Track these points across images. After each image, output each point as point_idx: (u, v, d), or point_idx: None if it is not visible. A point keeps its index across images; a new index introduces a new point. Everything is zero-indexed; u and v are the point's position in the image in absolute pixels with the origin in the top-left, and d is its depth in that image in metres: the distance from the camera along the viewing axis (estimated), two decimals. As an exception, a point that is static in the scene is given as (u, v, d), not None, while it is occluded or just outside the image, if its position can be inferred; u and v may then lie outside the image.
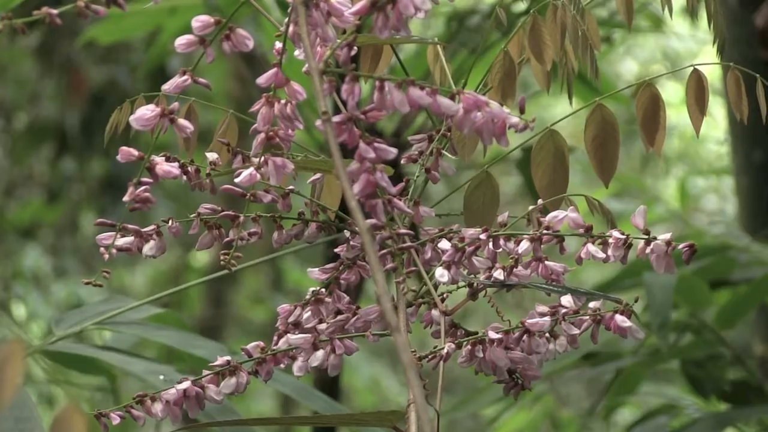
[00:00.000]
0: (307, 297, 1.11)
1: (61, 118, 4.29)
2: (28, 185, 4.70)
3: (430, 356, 1.06)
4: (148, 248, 1.08)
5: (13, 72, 4.40)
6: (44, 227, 4.73)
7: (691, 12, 1.98)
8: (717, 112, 3.03)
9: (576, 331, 1.08)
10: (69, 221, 4.69)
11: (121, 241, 1.07)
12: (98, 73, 4.14)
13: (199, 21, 1.04)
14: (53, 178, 4.49)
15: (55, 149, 4.36)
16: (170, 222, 1.08)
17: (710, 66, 1.18)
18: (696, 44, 4.07)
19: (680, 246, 1.06)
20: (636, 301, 1.10)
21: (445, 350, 1.05)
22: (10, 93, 4.42)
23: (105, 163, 4.34)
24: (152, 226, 1.08)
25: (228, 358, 1.09)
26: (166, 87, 1.04)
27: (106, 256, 1.06)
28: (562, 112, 1.28)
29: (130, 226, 1.07)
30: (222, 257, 1.08)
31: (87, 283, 1.08)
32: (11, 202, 4.67)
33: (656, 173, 4.78)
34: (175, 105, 1.05)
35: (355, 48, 1.06)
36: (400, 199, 1.07)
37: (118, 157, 1.05)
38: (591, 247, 1.07)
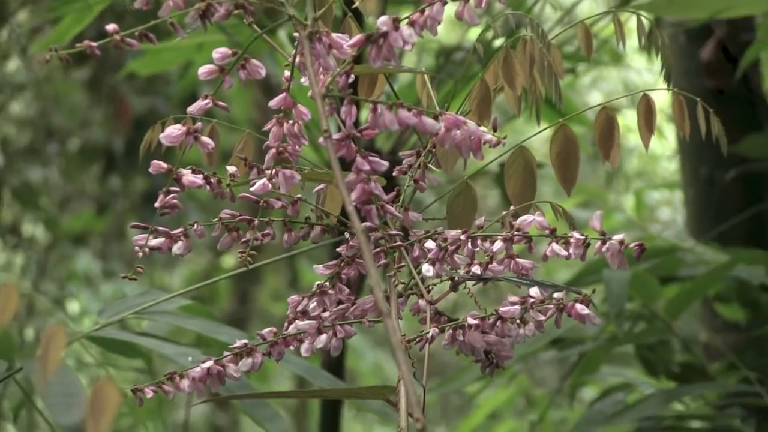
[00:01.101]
0: (313, 289, 1.11)
1: (108, 142, 4.29)
2: (79, 199, 4.70)
3: (417, 339, 1.05)
4: (177, 248, 1.08)
5: (67, 102, 4.39)
6: (94, 235, 4.73)
7: (645, 48, 1.98)
8: (670, 135, 3.04)
9: (542, 318, 1.07)
10: (115, 230, 4.70)
11: (154, 242, 1.07)
12: (140, 103, 4.15)
13: (218, 53, 1.04)
14: (101, 193, 4.49)
15: (103, 168, 4.36)
16: (195, 225, 1.08)
17: (663, 94, 1.18)
18: (653, 76, 4.07)
19: (632, 245, 1.05)
20: (593, 292, 1.10)
21: (430, 334, 1.05)
22: (63, 120, 4.41)
23: (146, 180, 4.34)
24: (180, 229, 1.08)
25: (245, 341, 1.09)
26: (191, 109, 1.04)
27: (140, 254, 1.06)
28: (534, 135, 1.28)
29: (161, 228, 1.07)
30: (239, 255, 1.08)
31: (124, 277, 1.08)
32: (65, 214, 4.67)
33: (618, 189, 4.78)
34: (199, 125, 1.05)
35: (353, 76, 1.06)
36: (392, 206, 1.07)
37: (150, 170, 1.05)
38: (555, 246, 1.06)
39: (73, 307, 4.47)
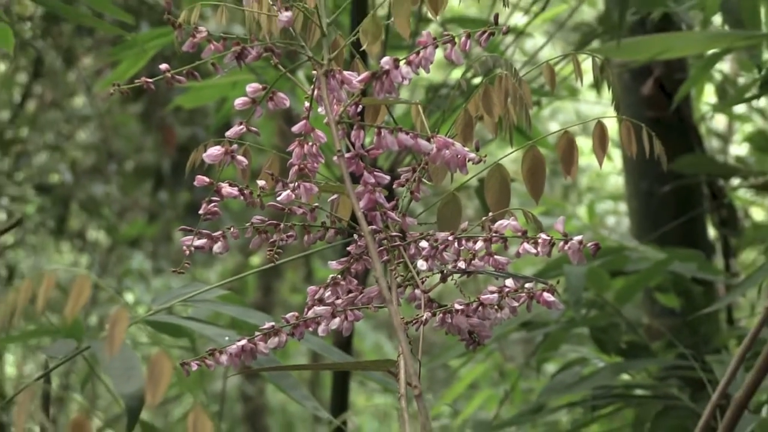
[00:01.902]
0: (328, 281, 1.11)
1: (157, 163, 4.29)
2: (134, 210, 4.69)
3: (413, 321, 1.05)
4: (217, 247, 1.07)
5: (124, 131, 4.39)
6: (146, 239, 4.72)
7: (597, 84, 1.97)
8: (616, 157, 3.05)
9: (516, 304, 1.07)
10: (163, 235, 4.69)
11: (198, 242, 1.07)
12: (183, 131, 4.15)
13: (251, 87, 1.04)
14: (152, 205, 4.49)
15: (153, 184, 4.36)
16: (231, 229, 1.08)
17: (611, 122, 1.17)
18: (601, 108, 4.09)
19: (589, 244, 1.05)
20: (558, 282, 1.09)
21: (424, 317, 1.04)
22: (121, 145, 4.41)
23: (188, 194, 4.34)
24: (219, 232, 1.07)
25: (273, 323, 1.09)
26: (228, 133, 1.04)
27: (187, 252, 1.06)
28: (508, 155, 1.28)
29: (203, 231, 1.07)
30: (267, 253, 1.08)
31: (173, 271, 1.08)
32: (122, 222, 4.67)
33: (573, 201, 4.78)
34: (235, 146, 1.05)
35: (361, 106, 1.06)
36: (393, 212, 1.07)
37: (195, 183, 1.05)
38: (526, 246, 1.06)
39: (129, 298, 4.46)
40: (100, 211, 4.40)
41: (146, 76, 1.05)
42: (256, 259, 5.09)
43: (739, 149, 3.59)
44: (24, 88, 4.45)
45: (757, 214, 3.78)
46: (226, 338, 1.21)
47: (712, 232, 2.36)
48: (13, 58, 4.12)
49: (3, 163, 4.44)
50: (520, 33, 2.15)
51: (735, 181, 2.37)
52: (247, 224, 1.09)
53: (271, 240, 1.08)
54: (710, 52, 1.92)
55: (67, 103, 4.63)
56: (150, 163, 4.33)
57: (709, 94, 2.72)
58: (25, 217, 4.14)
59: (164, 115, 4.02)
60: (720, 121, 3.78)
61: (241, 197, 1.07)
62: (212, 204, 1.05)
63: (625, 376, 1.91)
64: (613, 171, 4.45)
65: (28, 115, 4.49)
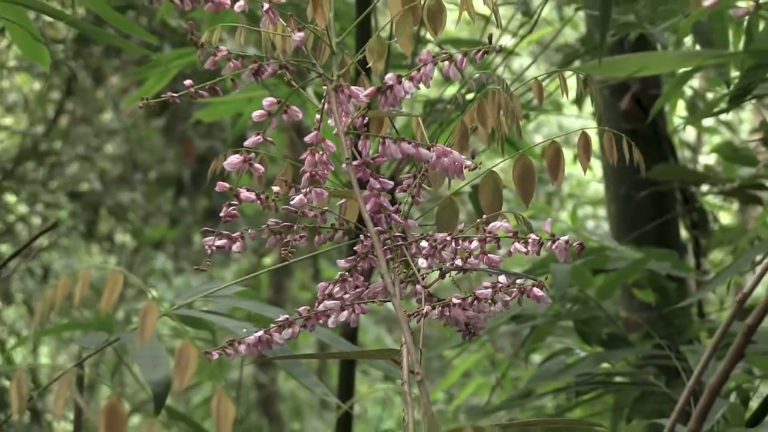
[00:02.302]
0: (337, 278, 1.10)
1: (178, 173, 4.29)
2: (157, 215, 4.70)
3: (415, 314, 1.05)
4: (235, 247, 1.07)
5: (148, 143, 4.39)
6: (168, 242, 4.72)
7: (580, 99, 1.97)
8: (596, 166, 3.05)
9: (508, 298, 1.06)
10: (183, 238, 4.69)
11: (219, 242, 1.06)
12: (202, 144, 4.15)
13: (267, 101, 1.04)
14: (173, 211, 4.49)
15: (175, 192, 4.36)
16: (248, 231, 1.08)
17: (592, 134, 1.17)
18: (582, 121, 4.09)
19: (574, 244, 1.05)
20: (546, 279, 1.09)
21: (425, 310, 1.04)
22: (145, 157, 4.41)
23: (207, 201, 4.34)
24: (237, 233, 1.07)
25: (286, 316, 1.08)
26: (247, 143, 1.04)
27: (209, 251, 1.06)
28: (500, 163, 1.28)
29: (224, 232, 1.07)
30: (282, 252, 1.07)
31: (196, 269, 1.08)
32: (147, 226, 4.67)
33: (556, 207, 4.78)
34: (253, 155, 1.05)
35: (367, 118, 1.06)
36: (396, 215, 1.07)
37: (216, 188, 1.04)
38: (518, 245, 1.06)
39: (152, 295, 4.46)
40: (127, 217, 4.39)
41: (170, 91, 1.05)
42: (267, 260, 5.09)
43: (708, 159, 3.59)
44: (57, 104, 4.45)
45: (725, 217, 3.79)
46: (244, 330, 1.21)
47: (684, 233, 2.36)
48: (47, 77, 4.12)
49: (38, 173, 4.43)
50: (509, 53, 2.15)
51: (705, 188, 2.37)
52: (264, 226, 1.09)
53: (285, 240, 1.08)
54: (682, 70, 1.92)
55: (96, 118, 4.63)
56: (171, 173, 4.33)
57: (681, 109, 2.72)
58: (58, 221, 4.13)
59: (185, 129, 4.03)
60: (691, 133, 3.78)
61: (258, 201, 1.06)
62: (232, 207, 1.05)
63: (606, 365, 1.90)
64: (592, 179, 4.45)
65: (60, 130, 4.48)
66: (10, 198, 4.46)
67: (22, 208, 4.47)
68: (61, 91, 4.40)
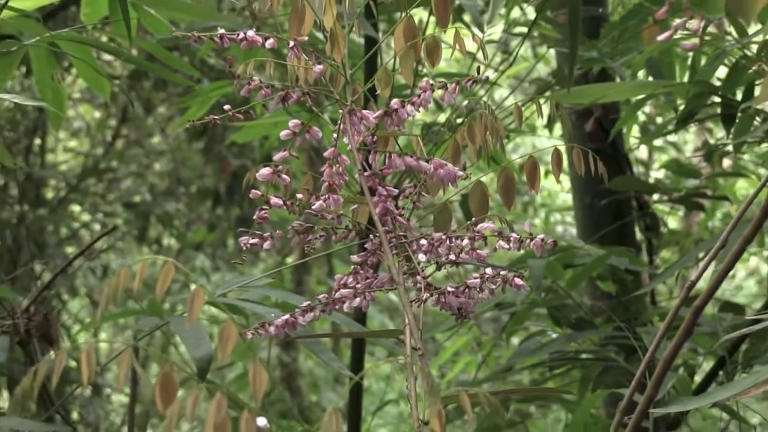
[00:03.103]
0: (350, 270, 1.10)
1: (215, 187, 4.28)
2: (197, 222, 4.69)
3: (416, 300, 1.04)
4: (266, 245, 1.07)
5: (190, 162, 4.39)
6: (206, 244, 4.72)
7: (551, 121, 1.96)
8: (564, 180, 3.05)
9: (493, 287, 1.06)
10: (220, 241, 4.68)
11: (252, 241, 1.06)
12: (235, 162, 4.14)
13: (293, 123, 1.04)
14: (211, 218, 4.49)
15: (212, 203, 4.36)
16: (276, 232, 1.08)
17: (563, 151, 1.17)
18: (554, 142, 4.09)
19: (548, 242, 1.05)
20: (524, 272, 1.09)
21: (424, 297, 1.04)
22: (188, 173, 4.41)
23: (239, 210, 4.33)
24: (267, 234, 1.07)
25: (308, 302, 1.08)
26: (276, 157, 1.04)
27: (245, 248, 1.06)
28: (485, 175, 1.27)
29: (256, 232, 1.07)
30: (305, 248, 1.07)
31: (234, 262, 1.08)
32: (188, 231, 4.66)
33: (530, 214, 4.77)
34: (281, 167, 1.05)
35: (375, 136, 1.06)
36: (400, 217, 1.07)
37: (250, 196, 1.04)
38: (501, 243, 1.06)
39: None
40: (172, 223, 4.39)
41: (212, 124, 1.05)
42: (289, 259, 5.08)
43: (658, 173, 3.59)
44: (114, 130, 4.45)
45: (673, 222, 3.78)
46: (273, 315, 1.21)
47: (639, 235, 2.35)
48: (106, 107, 4.13)
49: (98, 187, 4.44)
50: (491, 85, 2.15)
51: (656, 197, 2.37)
52: (289, 227, 1.09)
53: (307, 239, 1.08)
54: (637, 97, 1.92)
55: (147, 141, 4.63)
56: (209, 187, 4.32)
57: (636, 131, 2.72)
58: (115, 227, 4.14)
59: (221, 150, 4.02)
60: (644, 151, 3.78)
61: (285, 207, 1.06)
62: (263, 211, 1.05)
63: (574, 344, 1.90)
64: (561, 190, 4.44)
65: (117, 151, 4.49)
66: (75, 208, 4.47)
67: (85, 217, 4.47)
68: (117, 118, 4.41)
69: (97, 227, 4.32)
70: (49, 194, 4.41)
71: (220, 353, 0.69)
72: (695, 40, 0.96)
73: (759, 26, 1.60)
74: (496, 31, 2.17)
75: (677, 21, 0.83)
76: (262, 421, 0.74)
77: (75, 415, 3.71)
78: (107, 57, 3.62)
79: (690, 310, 0.91)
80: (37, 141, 4.21)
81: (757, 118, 1.70)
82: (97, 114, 4.67)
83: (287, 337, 1.11)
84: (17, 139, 4.09)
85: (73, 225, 4.32)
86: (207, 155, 4.17)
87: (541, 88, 2.23)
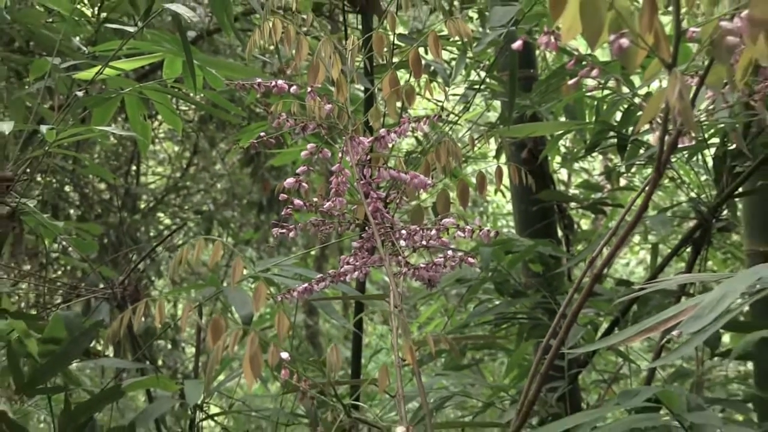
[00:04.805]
0: (352, 252, 1.10)
1: (260, 200, 4.27)
2: (246, 225, 4.67)
3: (398, 273, 1.04)
4: (291, 234, 1.07)
5: (242, 182, 4.38)
6: (253, 241, 4.70)
7: (497, 151, 1.94)
8: (508, 194, 3.05)
9: (454, 264, 1.06)
10: (263, 239, 4.67)
11: (281, 231, 1.06)
12: (273, 181, 4.13)
13: (310, 146, 1.04)
14: (257, 222, 4.47)
15: (257, 211, 4.34)
16: (299, 225, 1.07)
17: (505, 173, 1.17)
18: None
19: (492, 232, 1.05)
20: (476, 256, 1.09)
21: (404, 271, 1.04)
22: (240, 190, 4.40)
23: (276, 216, 4.31)
24: (292, 226, 1.07)
25: (321, 275, 1.08)
26: (298, 171, 1.04)
27: (276, 236, 1.05)
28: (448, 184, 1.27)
29: (286, 224, 1.06)
30: (319, 236, 1.07)
31: (270, 247, 1.07)
32: (240, 232, 4.65)
33: (483, 221, 4.74)
34: (302, 178, 1.04)
35: (369, 156, 1.06)
36: (387, 215, 1.06)
37: (279, 199, 1.04)
38: (459, 233, 1.05)
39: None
40: (229, 225, 4.38)
41: (254, 149, 1.05)
42: (311, 252, 5.05)
43: (574, 189, 3.58)
44: (188, 159, 4.44)
45: (584, 224, 3.77)
46: (297, 285, 1.20)
47: (560, 232, 2.35)
48: (182, 142, 4.12)
49: (177, 200, 4.43)
50: (453, 124, 2.14)
51: (572, 205, 2.36)
52: (308, 221, 1.08)
53: (321, 229, 1.08)
54: (558, 132, 1.92)
55: (211, 167, 4.62)
56: (255, 200, 4.31)
57: (558, 157, 2.72)
58: (185, 223, 4.13)
59: (263, 173, 4.01)
60: (564, 173, 3.78)
61: (304, 207, 1.06)
62: (288, 209, 1.05)
63: (513, 308, 1.90)
64: (506, 202, 4.42)
65: (190, 175, 4.48)
66: (160, 215, 4.45)
67: (167, 221, 4.45)
68: (190, 151, 4.40)
69: (182, 230, 4.31)
70: (142, 205, 4.40)
71: (255, 304, 0.69)
72: (595, 83, 0.97)
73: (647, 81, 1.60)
74: (459, 86, 2.16)
75: (582, 70, 0.83)
76: (284, 355, 0.74)
77: (160, 362, 3.70)
78: (183, 107, 3.62)
79: (592, 274, 0.91)
80: (134, 167, 4.21)
81: (642, 149, 1.70)
82: (176, 148, 4.67)
83: (308, 303, 1.10)
84: (120, 165, 4.09)
85: (158, 227, 4.31)
86: (254, 177, 4.16)
87: (490, 127, 2.22)
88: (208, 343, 0.71)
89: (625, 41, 0.67)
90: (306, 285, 1.08)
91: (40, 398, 1.39)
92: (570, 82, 0.89)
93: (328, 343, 5.04)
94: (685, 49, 1.40)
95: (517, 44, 0.84)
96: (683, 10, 0.69)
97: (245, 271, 0.98)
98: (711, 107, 0.92)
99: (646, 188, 0.84)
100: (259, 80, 1.01)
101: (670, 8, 0.69)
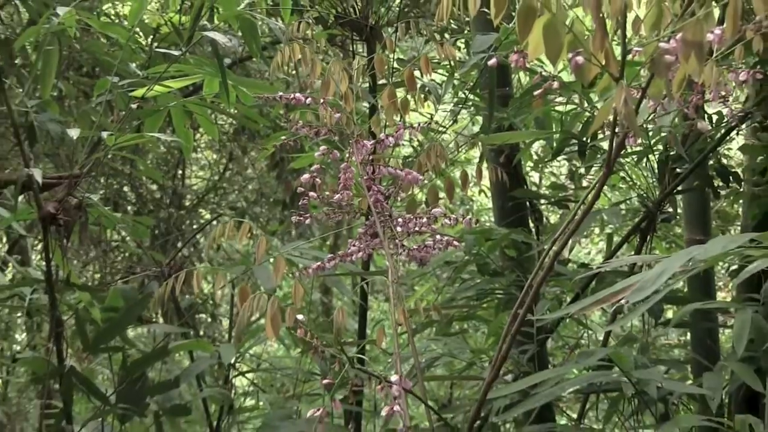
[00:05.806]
0: (357, 236, 1.10)
1: (284, 198, 4.26)
2: (273, 219, 4.67)
3: (395, 253, 1.04)
4: (308, 221, 1.07)
5: (269, 183, 4.38)
6: (279, 233, 4.69)
7: (482, 156, 1.92)
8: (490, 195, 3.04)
9: (442, 247, 1.06)
10: (286, 230, 4.67)
11: (299, 219, 1.06)
12: (295, 183, 4.12)
13: (322, 148, 1.04)
14: (281, 216, 4.47)
15: (281, 207, 4.34)
16: (313, 214, 1.08)
17: (485, 172, 1.16)
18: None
19: (473, 221, 1.05)
20: (461, 241, 1.09)
21: (399, 252, 1.04)
22: (268, 190, 4.40)
23: (297, 210, 4.30)
24: (307, 215, 1.07)
25: (331, 255, 1.08)
26: (312, 170, 1.04)
27: (295, 223, 1.05)
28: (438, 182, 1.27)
29: (302, 213, 1.06)
30: (329, 223, 1.07)
31: (292, 238, 1.07)
32: (268, 224, 4.65)
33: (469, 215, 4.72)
34: (316, 174, 1.04)
35: (371, 156, 1.06)
36: (386, 205, 1.07)
37: (297, 191, 1.04)
38: (446, 220, 1.06)
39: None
40: (258, 219, 4.38)
41: (278, 154, 1.05)
42: (327, 242, 5.04)
43: (544, 189, 3.57)
44: (224, 165, 4.45)
45: (552, 217, 3.76)
46: (313, 263, 1.20)
47: (531, 224, 2.34)
48: (219, 151, 4.12)
49: (216, 198, 4.44)
50: (442, 133, 2.14)
51: (542, 202, 2.36)
52: (322, 210, 1.08)
53: (332, 217, 1.08)
54: (529, 140, 1.92)
55: (244, 172, 4.62)
56: (280, 198, 4.31)
57: (530, 161, 2.71)
58: (219, 216, 4.14)
59: (287, 175, 4.01)
60: (536, 175, 3.77)
61: (318, 198, 1.06)
62: (304, 200, 1.05)
63: (492, 286, 1.90)
64: (487, 200, 4.40)
65: (226, 178, 4.48)
66: (202, 211, 4.46)
67: (207, 216, 4.46)
68: (226, 158, 4.40)
69: (214, 223, 4.31)
70: (186, 203, 4.41)
71: (275, 275, 0.69)
72: (561, 99, 0.97)
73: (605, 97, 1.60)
74: (449, 103, 2.16)
75: (546, 84, 0.84)
76: (300, 316, 0.75)
77: (201, 333, 3.71)
78: (221, 121, 3.62)
79: (552, 252, 0.91)
80: (180, 171, 4.23)
81: (599, 154, 1.70)
82: (214, 156, 4.68)
83: (323, 284, 1.10)
84: (168, 170, 4.11)
85: (200, 221, 4.32)
86: (279, 179, 4.16)
87: (473, 135, 2.22)
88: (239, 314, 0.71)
89: (580, 59, 0.68)
90: (318, 263, 1.08)
91: (103, 357, 1.40)
92: (536, 93, 0.90)
93: (340, 317, 5.03)
94: (632, 69, 1.40)
95: (492, 61, 0.85)
96: (629, 34, 0.69)
97: (270, 253, 0.98)
98: (652, 116, 0.93)
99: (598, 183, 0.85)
100: (280, 93, 1.02)
101: (618, 32, 0.70)
